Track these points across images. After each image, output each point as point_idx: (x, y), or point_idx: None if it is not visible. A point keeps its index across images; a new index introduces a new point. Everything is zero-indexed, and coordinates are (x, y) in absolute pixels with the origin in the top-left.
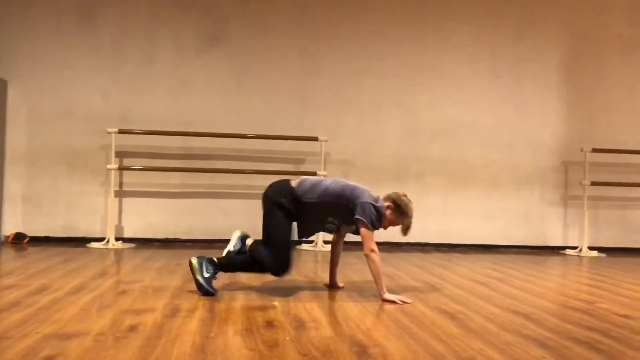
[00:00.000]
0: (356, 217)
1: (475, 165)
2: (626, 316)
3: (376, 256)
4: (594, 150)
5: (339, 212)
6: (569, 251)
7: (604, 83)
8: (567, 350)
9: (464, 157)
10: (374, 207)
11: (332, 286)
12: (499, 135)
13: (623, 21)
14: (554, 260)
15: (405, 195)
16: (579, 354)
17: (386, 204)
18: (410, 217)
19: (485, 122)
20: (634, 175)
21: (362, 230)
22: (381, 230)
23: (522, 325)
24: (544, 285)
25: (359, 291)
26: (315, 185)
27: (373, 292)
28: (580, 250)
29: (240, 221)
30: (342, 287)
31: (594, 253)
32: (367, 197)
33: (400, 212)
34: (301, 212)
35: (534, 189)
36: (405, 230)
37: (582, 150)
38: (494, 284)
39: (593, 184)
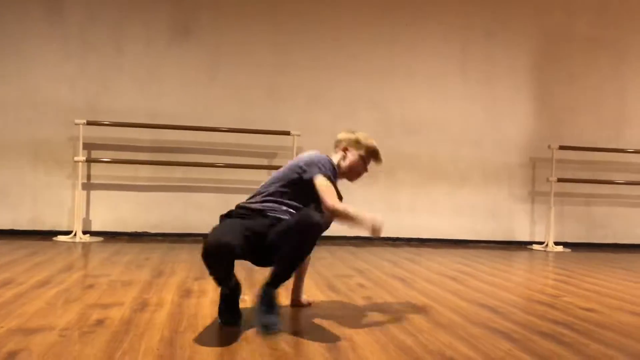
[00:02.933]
0: (305, 178)
1: (445, 161)
2: (589, 309)
3: (341, 205)
4: (561, 148)
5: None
6: (535, 246)
7: (571, 82)
8: (533, 343)
9: (434, 153)
10: (321, 158)
11: (296, 303)
12: (468, 132)
13: (589, 22)
14: (521, 255)
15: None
16: (544, 346)
17: (340, 150)
18: (370, 144)
19: (455, 118)
20: (598, 172)
21: (318, 184)
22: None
23: (489, 318)
24: (511, 279)
25: (329, 285)
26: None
27: (343, 286)
28: (547, 245)
29: (212, 215)
30: (309, 305)
31: (560, 248)
32: (306, 156)
33: (356, 145)
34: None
35: (502, 185)
36: (375, 155)
37: (549, 147)
38: (463, 278)
39: (560, 180)
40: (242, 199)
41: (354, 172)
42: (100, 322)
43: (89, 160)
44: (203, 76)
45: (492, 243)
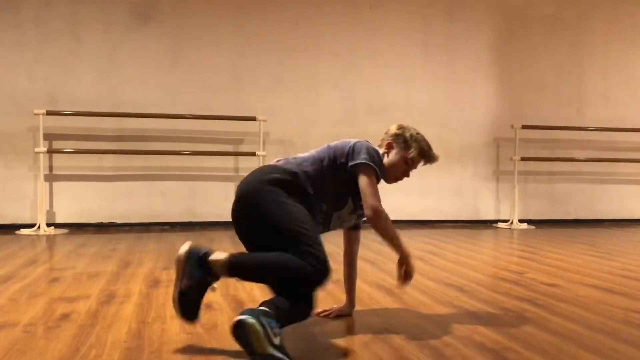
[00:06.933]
0: (350, 164)
1: None
2: (552, 285)
3: (384, 214)
4: (524, 127)
5: (328, 186)
6: (500, 224)
7: (533, 62)
8: (497, 320)
9: None
10: (372, 148)
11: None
12: (432, 113)
13: (550, 1)
14: (486, 234)
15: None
16: (508, 322)
17: (383, 146)
18: (418, 146)
19: (418, 99)
20: (560, 151)
21: (362, 179)
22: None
23: (455, 297)
24: (476, 257)
25: None
26: (297, 159)
27: None
28: (511, 223)
29: (178, 204)
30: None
31: (524, 225)
32: (361, 141)
33: (402, 143)
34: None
35: (467, 165)
36: (425, 157)
37: (512, 127)
38: (429, 258)
39: (523, 159)
40: (208, 186)
41: (391, 175)
42: (65, 316)
43: (51, 151)
44: (165, 62)
45: (458, 222)
